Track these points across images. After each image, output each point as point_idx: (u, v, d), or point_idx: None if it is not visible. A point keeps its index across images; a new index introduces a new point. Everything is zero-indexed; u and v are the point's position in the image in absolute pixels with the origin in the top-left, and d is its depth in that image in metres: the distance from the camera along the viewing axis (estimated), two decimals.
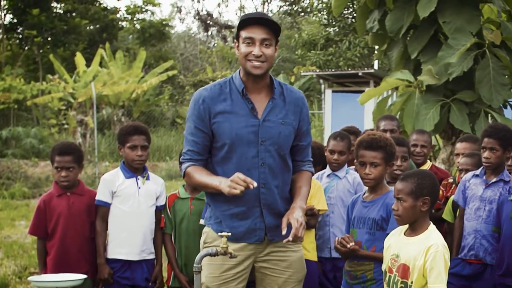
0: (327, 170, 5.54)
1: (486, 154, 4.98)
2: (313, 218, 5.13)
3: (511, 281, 4.76)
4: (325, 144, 5.67)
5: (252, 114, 3.93)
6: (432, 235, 3.85)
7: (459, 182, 5.44)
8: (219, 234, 3.75)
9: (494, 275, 4.90)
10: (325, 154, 5.53)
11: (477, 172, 5.11)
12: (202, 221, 4.77)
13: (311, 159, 4.26)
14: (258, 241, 3.97)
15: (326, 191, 5.41)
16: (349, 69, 20.63)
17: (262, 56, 3.88)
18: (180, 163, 4.24)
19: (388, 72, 14.81)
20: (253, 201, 3.92)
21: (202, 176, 3.93)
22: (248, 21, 3.91)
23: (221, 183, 3.77)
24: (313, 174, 4.27)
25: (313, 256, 5.17)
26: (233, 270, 3.97)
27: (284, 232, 3.80)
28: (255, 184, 3.71)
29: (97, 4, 30.58)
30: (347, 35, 25.79)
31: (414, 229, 3.91)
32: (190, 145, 4.00)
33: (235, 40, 4.03)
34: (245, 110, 3.93)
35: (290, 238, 3.75)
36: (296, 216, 3.82)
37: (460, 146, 5.78)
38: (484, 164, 5.04)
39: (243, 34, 3.91)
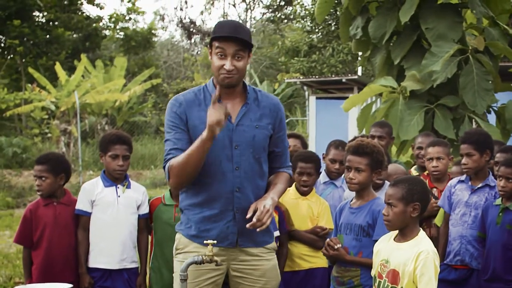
0: (323, 177, 5.53)
1: (463, 160, 5.04)
2: (321, 239, 5.09)
3: (497, 286, 4.80)
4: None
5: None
6: (422, 241, 3.85)
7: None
8: (205, 242, 3.71)
9: (479, 280, 4.93)
10: (325, 162, 5.50)
11: (462, 178, 5.13)
12: None
13: (290, 164, 4.24)
14: (230, 245, 3.94)
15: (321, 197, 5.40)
16: (333, 75, 20.64)
17: (234, 69, 3.89)
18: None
19: (372, 78, 14.89)
20: (227, 204, 3.90)
21: (182, 154, 3.84)
22: (220, 34, 3.90)
23: (203, 133, 3.72)
24: (291, 177, 4.23)
25: (324, 263, 5.16)
26: (208, 275, 3.94)
27: (248, 216, 3.79)
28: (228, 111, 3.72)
29: (80, 13, 30.41)
30: (330, 42, 25.86)
31: (404, 234, 3.91)
32: (172, 144, 3.95)
33: (208, 46, 4.02)
34: None
35: (254, 219, 3.74)
36: (264, 203, 3.81)
37: (432, 150, 5.63)
38: (463, 170, 5.09)
39: (216, 44, 3.91)
